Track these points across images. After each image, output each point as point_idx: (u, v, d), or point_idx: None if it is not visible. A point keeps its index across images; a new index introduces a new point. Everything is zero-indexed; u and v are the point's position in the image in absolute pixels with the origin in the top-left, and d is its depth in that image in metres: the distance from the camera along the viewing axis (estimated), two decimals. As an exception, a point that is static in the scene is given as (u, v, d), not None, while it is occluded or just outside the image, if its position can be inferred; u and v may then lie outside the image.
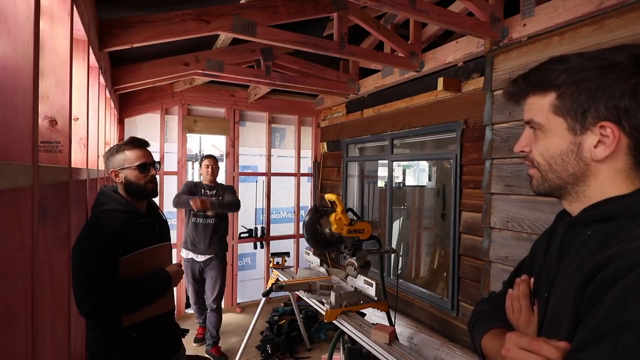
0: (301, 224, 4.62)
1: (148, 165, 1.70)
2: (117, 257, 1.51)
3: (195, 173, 7.20)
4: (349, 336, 2.21)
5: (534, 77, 0.72)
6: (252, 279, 4.87)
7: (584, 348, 0.55)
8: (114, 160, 1.70)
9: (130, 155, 1.69)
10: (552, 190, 0.74)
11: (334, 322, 2.21)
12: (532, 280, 0.82)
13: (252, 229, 4.75)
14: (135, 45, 2.29)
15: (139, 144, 1.73)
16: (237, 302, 4.70)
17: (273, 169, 4.95)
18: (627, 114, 0.63)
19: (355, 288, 2.34)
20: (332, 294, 2.25)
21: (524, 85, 0.74)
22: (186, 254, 3.62)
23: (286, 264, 3.31)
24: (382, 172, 4.48)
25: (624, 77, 0.62)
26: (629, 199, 0.65)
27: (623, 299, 0.53)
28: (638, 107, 0.62)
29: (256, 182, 4.88)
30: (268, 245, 4.88)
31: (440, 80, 2.87)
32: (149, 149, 1.78)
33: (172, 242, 2.04)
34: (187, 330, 1.94)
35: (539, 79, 0.71)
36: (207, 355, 2.03)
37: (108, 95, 2.71)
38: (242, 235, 4.67)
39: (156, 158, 1.79)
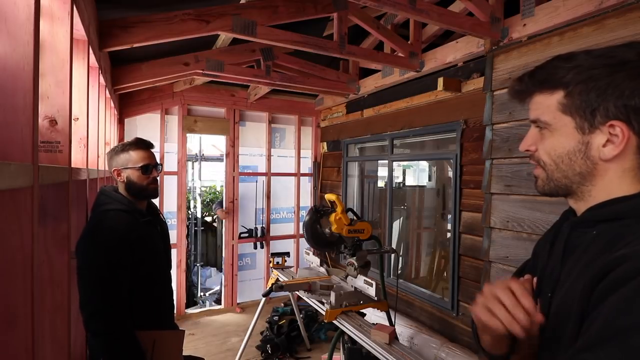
0: (301, 224, 4.62)
1: (151, 167, 1.71)
2: (124, 257, 1.51)
3: (196, 173, 7.18)
4: (349, 336, 2.21)
5: (541, 75, 0.70)
6: (252, 279, 4.87)
7: (591, 348, 0.54)
8: (117, 159, 1.71)
9: (134, 156, 1.70)
10: (557, 190, 0.73)
11: (334, 322, 2.21)
12: (535, 279, 0.82)
13: (252, 229, 4.75)
14: (135, 45, 2.29)
15: (144, 145, 1.74)
16: (237, 302, 4.71)
17: (273, 169, 4.95)
18: (637, 113, 0.62)
19: (355, 288, 2.34)
20: (332, 294, 2.25)
21: (530, 83, 0.72)
22: None
23: (286, 264, 3.31)
24: (382, 172, 4.48)
25: (634, 75, 0.61)
26: (637, 199, 0.64)
27: (632, 300, 0.53)
28: None
29: (256, 182, 4.88)
30: (268, 245, 4.88)
31: (440, 80, 2.87)
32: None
33: (171, 242, 2.04)
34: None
35: (545, 77, 0.70)
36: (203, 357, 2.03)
37: (108, 95, 2.71)
38: (242, 235, 4.67)
39: (156, 158, 1.79)
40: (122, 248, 1.51)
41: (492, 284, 0.68)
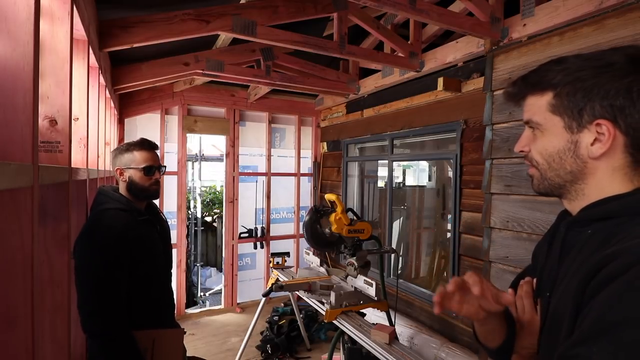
0: (301, 224, 4.62)
1: (154, 169, 1.72)
2: (122, 256, 1.51)
3: (196, 173, 7.18)
4: (349, 336, 2.21)
5: (533, 78, 0.73)
6: (252, 279, 4.87)
7: (585, 342, 0.55)
8: (121, 158, 1.70)
9: (138, 157, 1.69)
10: (552, 189, 0.75)
11: (334, 322, 2.21)
12: (534, 280, 0.83)
13: (252, 229, 4.75)
14: (135, 45, 2.29)
15: (149, 146, 1.74)
16: (237, 302, 4.71)
17: (273, 169, 4.95)
18: (622, 112, 0.64)
19: (355, 288, 2.34)
20: (332, 294, 2.25)
21: (522, 86, 0.75)
22: None
23: (286, 264, 3.31)
24: (382, 172, 4.48)
25: (618, 76, 0.63)
26: (629, 197, 0.66)
27: (623, 295, 0.54)
28: (633, 106, 0.63)
29: (256, 182, 4.88)
30: (268, 245, 4.88)
31: (440, 80, 2.87)
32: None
33: (172, 242, 2.04)
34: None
35: (537, 79, 0.73)
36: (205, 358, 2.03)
37: (108, 95, 2.71)
38: (242, 235, 4.67)
39: (159, 160, 1.79)
40: (119, 247, 1.50)
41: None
